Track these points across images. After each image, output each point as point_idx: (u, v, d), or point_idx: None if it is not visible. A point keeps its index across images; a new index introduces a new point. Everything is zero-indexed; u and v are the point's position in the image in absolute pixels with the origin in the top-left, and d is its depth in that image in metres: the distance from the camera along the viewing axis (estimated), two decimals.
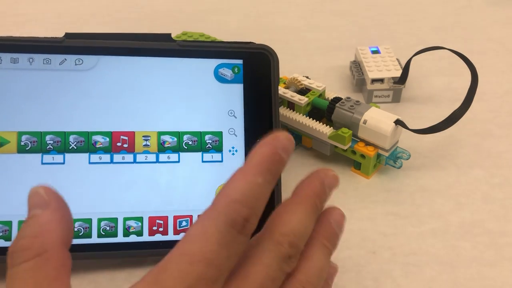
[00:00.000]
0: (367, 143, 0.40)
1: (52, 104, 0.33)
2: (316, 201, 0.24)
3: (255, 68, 0.36)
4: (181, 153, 0.34)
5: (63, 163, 0.33)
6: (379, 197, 0.40)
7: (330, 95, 0.45)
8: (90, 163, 0.33)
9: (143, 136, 0.34)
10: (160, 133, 0.34)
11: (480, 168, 0.43)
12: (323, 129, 0.41)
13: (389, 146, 0.40)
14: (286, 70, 0.56)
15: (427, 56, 0.54)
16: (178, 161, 0.34)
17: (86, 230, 0.33)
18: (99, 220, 0.33)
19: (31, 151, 0.33)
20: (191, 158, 0.35)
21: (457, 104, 0.41)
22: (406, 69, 0.48)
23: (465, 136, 0.46)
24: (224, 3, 0.72)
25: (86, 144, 0.33)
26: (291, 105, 0.43)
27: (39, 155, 0.33)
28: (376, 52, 0.52)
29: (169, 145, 0.34)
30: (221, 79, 0.36)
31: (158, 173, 0.34)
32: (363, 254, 0.35)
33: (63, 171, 0.33)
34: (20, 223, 0.32)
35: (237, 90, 0.36)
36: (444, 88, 0.53)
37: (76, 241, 0.32)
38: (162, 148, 0.34)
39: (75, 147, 0.33)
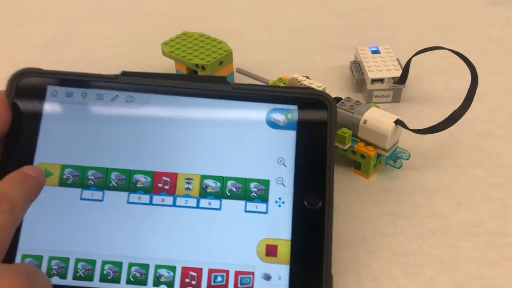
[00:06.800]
0: (367, 143, 0.40)
1: (99, 139, 0.33)
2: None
3: (311, 115, 0.33)
4: (223, 200, 0.32)
5: (102, 200, 0.32)
6: (379, 197, 0.40)
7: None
8: (128, 202, 0.32)
9: (186, 179, 0.32)
10: (204, 177, 0.32)
11: (480, 168, 0.43)
12: None
13: (389, 146, 0.40)
14: (286, 70, 0.56)
15: (427, 56, 0.54)
16: (220, 209, 0.32)
17: (115, 274, 0.31)
18: (130, 265, 0.31)
19: (72, 185, 0.32)
20: (233, 206, 0.32)
21: (457, 104, 0.41)
22: (406, 69, 0.48)
23: (465, 136, 0.46)
24: (224, 3, 0.72)
25: (127, 182, 0.32)
26: None
27: (79, 190, 0.32)
28: (376, 52, 0.52)
29: (212, 190, 0.32)
30: (272, 124, 0.33)
31: (197, 220, 0.32)
32: (363, 254, 0.36)
33: (100, 208, 0.32)
34: (51, 259, 0.31)
35: (289, 137, 0.33)
36: (444, 88, 0.53)
37: (104, 285, 0.31)
38: (204, 193, 0.32)
39: (116, 185, 0.32)
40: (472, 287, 0.33)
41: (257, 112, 0.33)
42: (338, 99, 0.42)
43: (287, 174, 0.32)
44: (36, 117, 0.32)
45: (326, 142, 0.33)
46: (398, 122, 0.39)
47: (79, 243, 0.31)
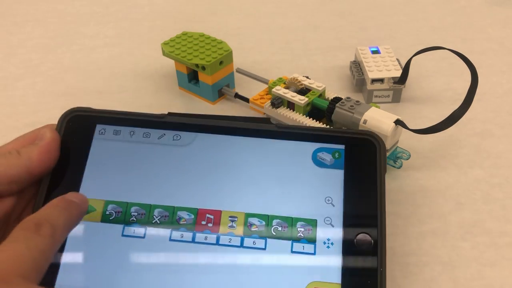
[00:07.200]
0: None
1: (144, 176, 0.33)
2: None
3: (359, 154, 0.33)
4: (268, 240, 0.31)
5: (143, 237, 0.31)
6: None
7: (330, 95, 0.45)
8: (170, 240, 0.31)
9: (230, 217, 0.32)
10: (248, 215, 0.32)
11: (480, 168, 0.43)
12: None
13: (389, 146, 0.40)
14: (286, 70, 0.56)
15: (427, 56, 0.54)
16: (264, 248, 0.31)
17: None
18: None
19: (114, 221, 0.32)
20: (279, 247, 0.31)
21: (457, 104, 0.41)
22: (406, 69, 0.48)
23: (465, 136, 0.46)
24: (224, 3, 0.72)
25: (170, 219, 0.32)
26: (291, 105, 0.43)
27: (121, 226, 0.31)
28: (376, 52, 0.52)
29: (256, 229, 0.31)
30: (319, 163, 0.33)
31: (240, 260, 0.30)
32: None
33: (142, 245, 0.31)
34: None
35: (336, 176, 0.32)
36: (444, 88, 0.53)
37: None
38: (248, 231, 0.31)
39: (158, 222, 0.32)
40: (472, 287, 0.33)
41: (303, 151, 0.33)
42: (338, 99, 0.42)
43: (336, 214, 0.31)
44: (83, 153, 0.33)
45: (376, 182, 0.32)
46: (398, 122, 0.39)
47: (119, 281, 0.30)
